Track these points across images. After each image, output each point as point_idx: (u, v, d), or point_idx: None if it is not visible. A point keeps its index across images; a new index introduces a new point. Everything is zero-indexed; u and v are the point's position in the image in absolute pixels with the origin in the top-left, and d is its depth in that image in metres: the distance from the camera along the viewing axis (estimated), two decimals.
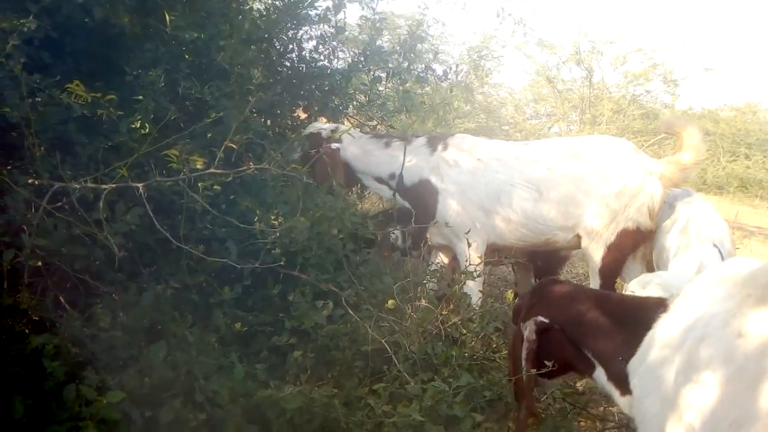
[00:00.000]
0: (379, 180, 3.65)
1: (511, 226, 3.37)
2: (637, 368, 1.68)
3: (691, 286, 1.67)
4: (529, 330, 1.98)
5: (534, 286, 2.34)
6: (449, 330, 2.56)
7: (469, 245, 3.06)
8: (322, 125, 3.70)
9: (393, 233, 3.71)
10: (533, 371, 1.96)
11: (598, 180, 3.32)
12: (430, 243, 3.60)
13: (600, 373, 1.89)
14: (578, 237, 3.38)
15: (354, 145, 3.63)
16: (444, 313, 2.50)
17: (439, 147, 3.50)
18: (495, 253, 3.66)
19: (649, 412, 1.57)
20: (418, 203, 3.51)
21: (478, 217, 3.37)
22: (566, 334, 1.94)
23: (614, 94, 9.78)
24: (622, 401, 1.82)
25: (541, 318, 1.97)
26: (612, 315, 1.89)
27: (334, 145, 3.53)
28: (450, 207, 3.40)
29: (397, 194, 3.59)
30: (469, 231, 3.16)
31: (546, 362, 1.95)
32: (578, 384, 2.82)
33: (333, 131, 3.59)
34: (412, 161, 3.51)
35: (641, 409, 1.61)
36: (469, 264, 3.00)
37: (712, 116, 13.40)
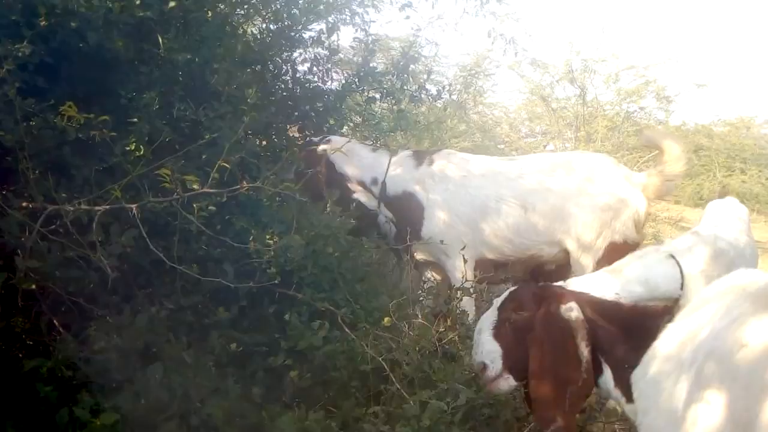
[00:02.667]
0: (362, 184, 3.59)
1: (497, 240, 3.36)
2: (639, 378, 1.66)
3: (698, 297, 1.66)
4: (575, 311, 1.81)
5: (535, 286, 2.21)
6: (446, 347, 2.54)
7: (465, 261, 3.05)
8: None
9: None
10: (587, 357, 1.79)
11: (583, 194, 3.35)
12: (416, 258, 3.56)
13: (607, 379, 1.84)
14: (565, 252, 3.38)
15: (337, 146, 3.54)
16: (441, 329, 2.49)
17: (426, 161, 3.50)
18: (493, 269, 3.65)
19: (653, 427, 1.55)
20: (402, 216, 3.49)
21: (464, 232, 3.36)
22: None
23: (608, 112, 9.83)
24: (627, 408, 1.79)
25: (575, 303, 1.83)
26: (623, 321, 1.86)
27: (321, 147, 3.52)
28: (437, 222, 3.38)
29: (381, 204, 3.56)
30: (464, 247, 3.15)
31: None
32: None
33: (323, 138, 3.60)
34: (397, 171, 3.50)
35: (645, 421, 1.60)
36: (465, 280, 2.99)
37: (706, 131, 13.49)
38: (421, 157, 3.54)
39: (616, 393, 1.83)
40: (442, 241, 3.34)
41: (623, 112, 9.88)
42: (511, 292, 2.10)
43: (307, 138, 3.72)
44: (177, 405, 2.04)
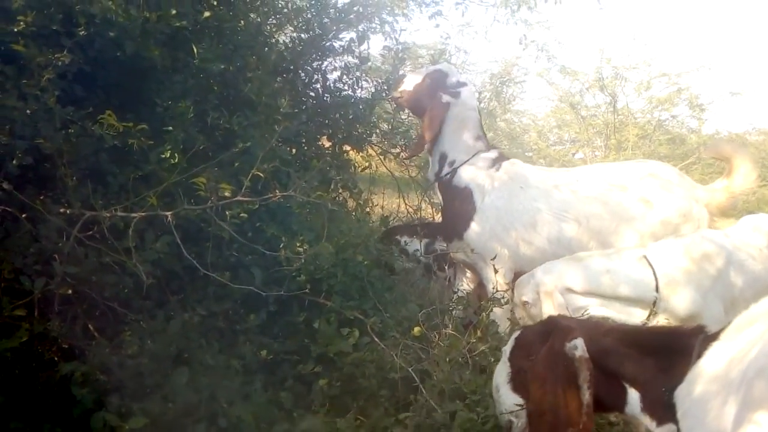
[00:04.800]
0: (442, 157, 3.53)
1: (545, 255, 3.26)
2: (685, 398, 1.60)
3: (745, 315, 1.61)
4: (580, 348, 1.72)
5: (541, 322, 2.12)
6: (477, 358, 2.52)
7: (496, 272, 3.02)
8: (451, 69, 3.69)
9: (416, 247, 3.66)
10: (588, 400, 1.70)
11: (641, 209, 3.24)
12: (452, 256, 3.52)
13: (634, 404, 1.76)
14: None
15: (460, 107, 3.53)
16: (472, 341, 2.46)
17: (496, 165, 3.46)
18: None
19: None
20: (452, 209, 3.46)
21: (509, 244, 3.31)
22: (600, 362, 1.76)
23: (639, 120, 9.68)
24: (659, 431, 1.71)
25: (581, 339, 1.75)
26: (648, 343, 1.79)
27: (445, 99, 3.48)
28: (482, 229, 3.33)
29: (437, 184, 3.54)
30: (495, 257, 3.11)
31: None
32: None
33: (459, 82, 3.58)
34: (472, 165, 3.46)
35: None
36: (496, 291, 2.96)
37: (739, 140, 13.16)
38: (496, 161, 3.48)
39: (645, 417, 1.75)
40: (473, 250, 3.31)
41: (655, 120, 9.72)
42: (517, 338, 1.99)
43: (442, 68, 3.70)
44: (205, 408, 2.05)
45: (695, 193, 3.27)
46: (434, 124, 3.44)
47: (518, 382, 1.93)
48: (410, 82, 3.58)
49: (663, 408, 1.69)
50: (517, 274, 3.38)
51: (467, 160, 3.44)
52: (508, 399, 1.94)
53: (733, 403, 1.40)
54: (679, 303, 2.70)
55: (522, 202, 3.32)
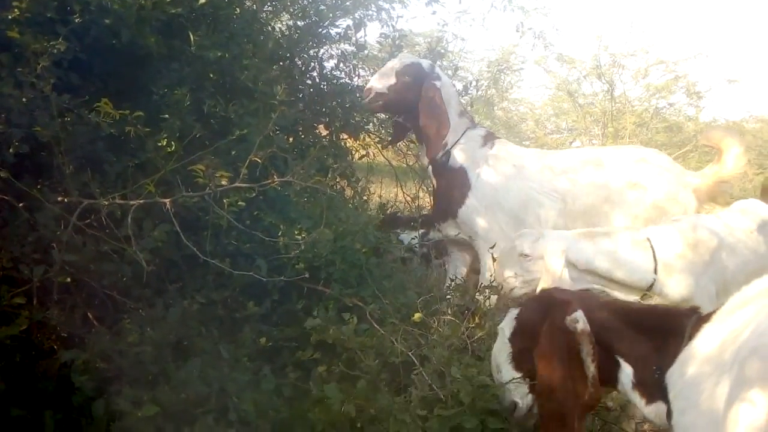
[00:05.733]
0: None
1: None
2: (677, 380, 1.62)
3: (738, 297, 1.62)
4: (581, 321, 1.73)
5: (535, 298, 2.16)
6: (474, 345, 2.53)
7: (495, 260, 3.03)
8: (418, 58, 3.64)
9: (412, 237, 3.67)
10: (593, 372, 1.72)
11: (630, 192, 3.29)
12: (443, 234, 3.56)
13: (626, 380, 1.77)
14: None
15: (444, 89, 3.54)
16: (471, 326, 2.47)
17: (488, 144, 3.49)
18: None
19: (693, 426, 1.52)
20: (446, 189, 3.49)
21: (502, 221, 3.35)
22: (595, 335, 1.76)
23: (637, 108, 9.67)
24: (648, 410, 1.73)
25: (581, 312, 1.75)
26: (642, 321, 1.80)
27: (438, 83, 3.49)
28: (477, 205, 3.37)
29: (430, 167, 3.55)
30: (494, 246, 3.12)
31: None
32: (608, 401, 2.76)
33: (432, 65, 3.57)
34: (465, 145, 3.48)
35: (683, 421, 1.57)
36: (493, 277, 2.97)
37: (737, 128, 13.13)
38: (487, 140, 3.52)
39: (634, 395, 1.77)
40: (457, 235, 3.34)
41: (652, 108, 9.72)
42: (516, 318, 1.98)
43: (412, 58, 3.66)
44: (215, 399, 2.06)
45: (684, 179, 3.31)
46: (439, 112, 3.45)
47: (520, 361, 1.94)
48: (382, 85, 3.48)
49: (653, 387, 1.71)
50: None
51: (458, 140, 3.46)
52: (510, 378, 1.95)
53: (727, 382, 1.42)
54: (674, 287, 2.73)
55: (516, 181, 3.36)
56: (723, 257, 2.82)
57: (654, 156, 3.43)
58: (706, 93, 9.82)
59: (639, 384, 1.76)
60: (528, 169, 3.41)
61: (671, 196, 3.27)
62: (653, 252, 2.75)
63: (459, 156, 3.47)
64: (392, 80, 3.46)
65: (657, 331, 1.76)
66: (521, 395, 1.95)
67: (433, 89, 3.47)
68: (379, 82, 3.49)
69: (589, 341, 1.74)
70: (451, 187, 3.46)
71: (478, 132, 3.54)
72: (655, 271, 2.73)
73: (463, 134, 3.48)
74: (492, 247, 3.12)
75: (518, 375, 1.94)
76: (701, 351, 1.57)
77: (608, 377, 1.80)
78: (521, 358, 1.94)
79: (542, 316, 1.88)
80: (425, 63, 3.57)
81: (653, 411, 1.73)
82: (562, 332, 1.77)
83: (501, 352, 2.00)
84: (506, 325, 2.00)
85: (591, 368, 1.75)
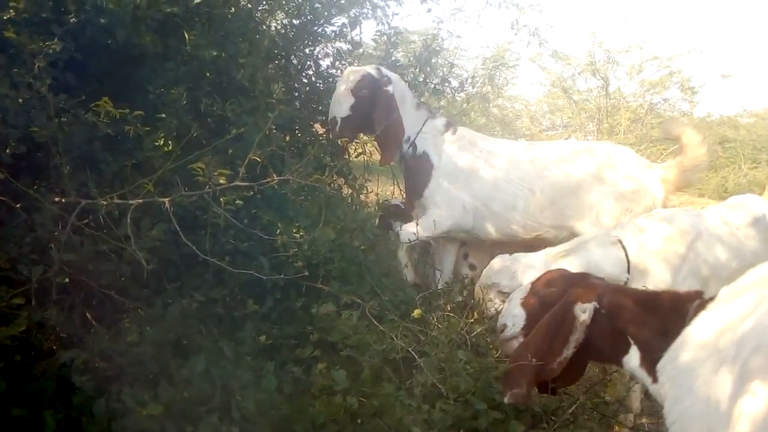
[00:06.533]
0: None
1: (498, 221, 3.38)
2: (667, 363, 1.67)
3: (733, 286, 1.64)
4: (588, 314, 1.97)
5: (574, 273, 2.38)
6: (473, 340, 2.54)
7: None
8: (362, 67, 3.60)
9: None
10: (568, 354, 1.98)
11: (599, 182, 3.35)
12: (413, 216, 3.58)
13: (633, 358, 1.91)
14: (573, 236, 3.36)
15: (396, 87, 3.51)
16: (469, 321, 2.49)
17: (450, 130, 3.52)
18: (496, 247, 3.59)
19: (689, 414, 1.54)
20: (412, 172, 3.52)
21: (466, 200, 3.38)
22: (610, 317, 1.97)
23: (631, 103, 9.71)
24: (653, 387, 1.84)
25: (596, 304, 1.98)
26: (652, 305, 1.93)
27: (390, 88, 3.45)
28: (440, 186, 3.40)
29: (402, 162, 3.57)
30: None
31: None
32: (606, 396, 2.78)
33: (379, 68, 3.53)
34: (427, 133, 3.50)
35: (677, 408, 1.59)
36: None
37: (731, 123, 13.22)
38: (448, 126, 3.54)
39: (641, 372, 1.90)
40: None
41: (647, 103, 9.76)
42: (547, 272, 2.35)
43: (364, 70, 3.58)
44: (219, 398, 2.06)
45: (650, 172, 3.38)
46: (396, 120, 3.42)
47: (528, 301, 2.30)
48: (344, 108, 3.42)
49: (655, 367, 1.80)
50: (470, 244, 3.58)
51: (421, 130, 3.48)
52: (513, 309, 2.32)
53: (728, 375, 1.43)
54: (648, 283, 2.74)
55: (482, 166, 3.40)
56: (701, 251, 2.83)
57: (621, 150, 3.51)
58: (701, 88, 9.88)
59: (645, 363, 1.88)
60: (495, 156, 3.44)
61: (637, 188, 3.34)
62: (625, 252, 2.77)
63: (421, 143, 3.49)
64: (351, 100, 3.41)
65: (663, 315, 1.88)
66: (514, 322, 2.29)
67: (386, 97, 3.43)
68: (339, 107, 3.43)
69: (581, 332, 1.98)
70: (416, 173, 3.48)
71: (439, 121, 3.56)
72: (628, 271, 2.76)
73: (423, 124, 3.49)
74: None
75: (521, 310, 2.31)
76: (695, 338, 1.60)
77: (617, 354, 1.97)
78: (529, 298, 2.31)
79: (565, 281, 2.22)
80: (372, 70, 3.51)
81: (657, 390, 1.82)
82: (567, 310, 2.01)
83: (521, 290, 2.37)
84: (534, 277, 2.40)
85: (569, 351, 1.99)
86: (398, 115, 3.44)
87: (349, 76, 3.47)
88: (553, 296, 2.17)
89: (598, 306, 1.98)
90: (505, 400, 2.06)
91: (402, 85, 3.58)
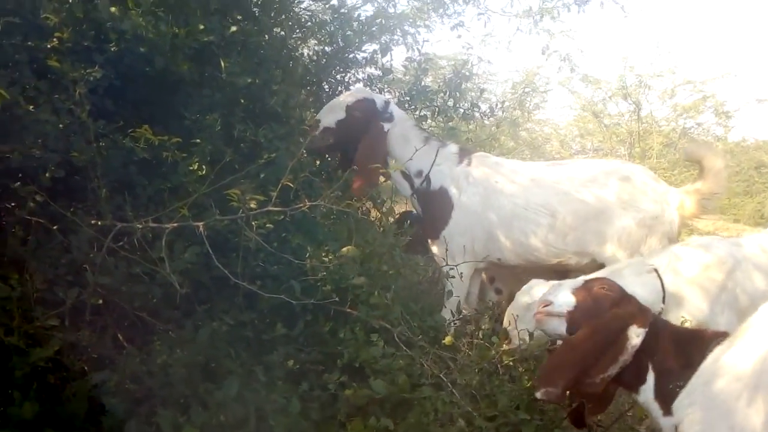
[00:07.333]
0: (405, 174, 3.44)
1: (520, 249, 3.30)
2: (697, 390, 1.65)
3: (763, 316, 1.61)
4: (640, 339, 1.91)
5: (622, 294, 2.27)
6: (503, 369, 2.49)
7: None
8: (372, 93, 3.51)
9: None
10: (612, 374, 1.91)
11: (617, 209, 3.26)
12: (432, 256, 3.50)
13: (648, 389, 1.89)
14: (594, 263, 3.29)
15: (398, 127, 3.43)
16: (501, 349, 2.45)
17: (465, 160, 3.42)
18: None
19: None
20: (430, 210, 3.42)
21: (483, 241, 3.32)
22: (651, 345, 1.92)
23: (663, 128, 9.60)
24: (663, 421, 1.82)
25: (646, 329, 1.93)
26: (678, 338, 1.92)
27: (387, 125, 3.36)
28: (461, 225, 3.32)
29: (414, 197, 3.49)
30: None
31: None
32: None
33: (387, 103, 3.44)
34: (440, 166, 3.41)
35: None
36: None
37: (767, 148, 12.97)
38: (462, 155, 3.45)
39: (654, 405, 1.88)
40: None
41: (680, 128, 9.64)
42: (606, 280, 2.24)
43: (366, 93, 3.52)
44: (253, 422, 2.05)
45: (668, 197, 3.29)
46: (376, 154, 3.29)
47: (580, 292, 2.18)
48: (330, 119, 3.34)
49: (671, 401, 1.80)
50: (495, 269, 3.48)
51: (434, 161, 3.39)
52: (562, 295, 2.20)
53: (762, 404, 1.40)
54: (684, 312, 2.66)
55: (499, 197, 3.31)
56: (740, 279, 2.75)
57: (638, 172, 3.41)
58: (735, 112, 9.72)
59: (660, 395, 1.87)
60: (513, 184, 3.35)
61: (656, 213, 3.25)
62: (661, 281, 2.70)
63: (437, 178, 3.40)
64: (341, 115, 3.33)
65: (686, 351, 1.86)
66: (560, 304, 2.17)
67: (377, 133, 3.34)
68: (328, 116, 3.34)
69: (630, 355, 1.90)
70: (434, 209, 3.39)
71: (452, 149, 3.46)
72: (663, 301, 2.68)
73: (436, 155, 3.40)
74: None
75: (572, 298, 2.18)
76: (729, 369, 1.60)
77: (634, 381, 1.94)
78: (581, 290, 2.19)
79: (622, 291, 2.13)
80: (379, 100, 3.44)
81: (668, 424, 1.81)
82: (621, 330, 1.94)
83: (571, 282, 2.28)
84: (590, 279, 2.30)
85: (612, 371, 1.90)
86: (382, 154, 3.32)
87: (355, 93, 3.45)
88: (607, 299, 2.10)
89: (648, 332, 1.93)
90: (537, 394, 1.96)
91: (407, 124, 3.48)
